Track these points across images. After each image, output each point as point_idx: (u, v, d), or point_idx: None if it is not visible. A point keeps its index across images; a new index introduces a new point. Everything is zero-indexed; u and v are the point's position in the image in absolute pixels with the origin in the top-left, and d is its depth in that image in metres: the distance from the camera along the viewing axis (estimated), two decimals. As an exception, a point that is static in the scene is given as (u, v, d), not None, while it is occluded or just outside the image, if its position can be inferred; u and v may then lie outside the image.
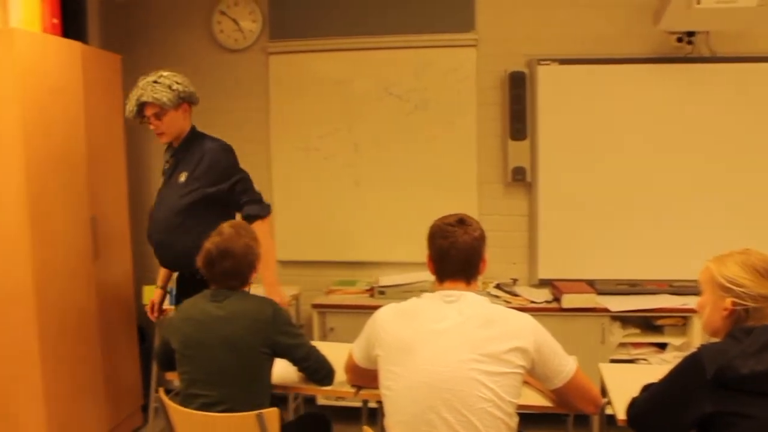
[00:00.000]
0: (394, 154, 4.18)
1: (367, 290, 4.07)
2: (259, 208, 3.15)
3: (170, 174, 3.17)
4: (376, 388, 2.16)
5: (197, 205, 3.05)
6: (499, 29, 4.10)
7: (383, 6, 4.16)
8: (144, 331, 4.35)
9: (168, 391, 4.21)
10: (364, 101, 4.19)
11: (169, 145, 3.24)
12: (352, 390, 2.46)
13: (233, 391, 2.30)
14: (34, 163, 3.21)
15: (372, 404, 2.94)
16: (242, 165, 4.33)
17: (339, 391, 2.52)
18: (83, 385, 3.56)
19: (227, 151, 3.18)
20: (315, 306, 3.96)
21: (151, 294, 3.86)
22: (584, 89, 3.99)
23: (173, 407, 2.33)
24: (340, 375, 2.50)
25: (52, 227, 3.34)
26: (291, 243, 4.34)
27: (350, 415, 3.87)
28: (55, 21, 3.54)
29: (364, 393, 2.46)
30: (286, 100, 4.29)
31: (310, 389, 2.58)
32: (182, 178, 3.10)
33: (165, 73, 3.08)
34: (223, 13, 4.35)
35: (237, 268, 2.40)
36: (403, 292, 3.86)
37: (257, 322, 2.33)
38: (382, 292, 3.94)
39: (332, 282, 4.24)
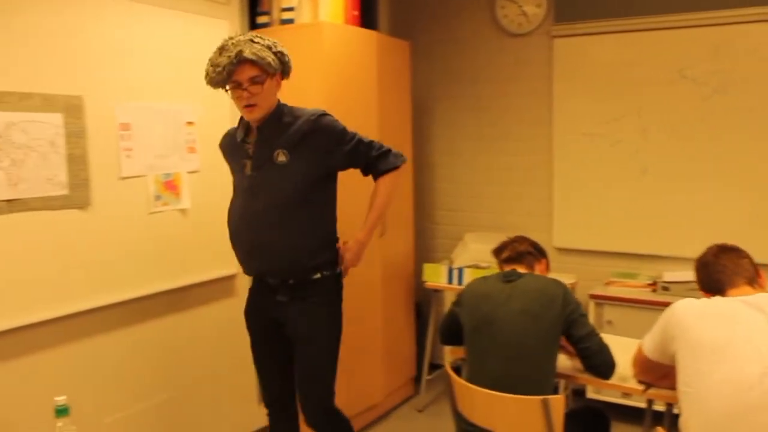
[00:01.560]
0: (686, 142, 3.88)
1: (650, 284, 3.84)
2: (394, 159, 2.65)
3: (260, 157, 2.53)
4: (664, 387, 2.16)
5: (310, 190, 2.52)
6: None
7: (678, -18, 3.87)
8: (420, 307, 4.55)
9: (439, 366, 4.43)
10: (655, 85, 3.94)
11: (241, 125, 2.64)
12: (639, 387, 2.36)
13: (521, 367, 2.34)
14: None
15: (657, 406, 2.79)
16: (522, 148, 4.38)
17: (623, 387, 2.41)
18: (365, 351, 3.83)
19: (329, 114, 2.58)
20: (593, 296, 3.84)
21: (431, 272, 4.04)
22: None
23: (459, 382, 2.39)
24: (619, 370, 2.43)
25: (346, 204, 3.59)
26: (569, 230, 4.25)
27: (621, 412, 3.73)
28: (355, 13, 3.80)
29: (652, 392, 2.34)
30: (570, 83, 4.18)
31: (592, 381, 2.51)
32: (282, 157, 2.49)
33: (258, 35, 2.48)
34: (507, -3, 4.36)
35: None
36: (690, 290, 3.59)
37: (550, 299, 2.38)
38: (666, 288, 3.70)
39: (611, 273, 4.08)
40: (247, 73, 2.39)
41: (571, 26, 4.15)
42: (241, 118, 2.61)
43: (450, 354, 2.81)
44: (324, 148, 2.51)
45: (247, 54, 2.36)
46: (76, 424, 1.66)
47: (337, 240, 2.68)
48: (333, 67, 3.47)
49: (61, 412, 1.53)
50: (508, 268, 2.58)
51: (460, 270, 3.93)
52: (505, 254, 2.63)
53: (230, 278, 3.56)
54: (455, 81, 4.61)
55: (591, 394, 3.90)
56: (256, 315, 2.72)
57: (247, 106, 2.45)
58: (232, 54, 2.35)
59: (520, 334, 2.35)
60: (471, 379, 2.40)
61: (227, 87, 2.45)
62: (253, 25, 3.67)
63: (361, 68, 3.68)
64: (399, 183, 2.69)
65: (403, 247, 4.18)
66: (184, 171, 3.23)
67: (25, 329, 2.63)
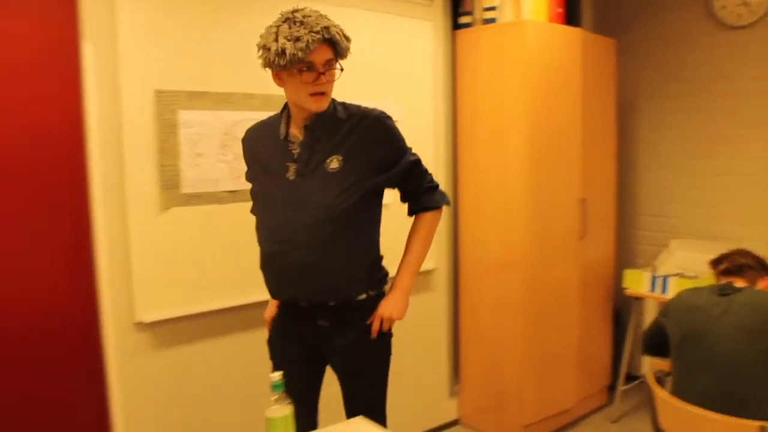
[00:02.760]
0: None
1: None
2: (440, 197, 2.30)
3: (309, 161, 2.13)
4: None
5: (361, 203, 2.13)
6: None
7: None
8: (619, 314, 4.37)
9: (635, 378, 4.22)
10: None
11: (284, 120, 2.22)
12: None
13: (733, 385, 2.18)
14: (536, 143, 3.46)
15: None
16: (739, 152, 4.04)
17: None
18: (558, 353, 3.75)
19: (391, 119, 2.19)
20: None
21: (632, 278, 3.86)
22: None
23: (664, 397, 2.27)
24: None
25: (547, 205, 3.55)
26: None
27: None
28: (559, 10, 3.72)
29: None
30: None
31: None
32: (334, 164, 2.10)
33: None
34: (727, -13, 4.05)
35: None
36: None
37: None
38: None
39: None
40: (324, 54, 2.02)
41: (804, 15, 3.77)
42: (284, 111, 2.23)
43: (651, 365, 2.67)
44: (388, 160, 2.17)
45: (333, 32, 2.00)
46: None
47: (382, 257, 2.31)
48: (536, 65, 3.43)
49: (277, 387, 1.66)
50: (724, 281, 2.41)
51: (665, 278, 3.71)
52: (723, 266, 2.47)
53: (430, 272, 3.67)
54: (664, 79, 4.35)
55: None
56: (287, 342, 2.32)
57: (319, 93, 2.06)
58: (317, 29, 1.96)
59: (734, 350, 2.18)
60: (675, 394, 2.27)
61: (298, 68, 2.01)
62: (456, 26, 3.71)
63: (564, 67, 3.60)
64: (437, 225, 2.32)
65: (604, 251, 4.03)
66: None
67: (240, 309, 2.90)
